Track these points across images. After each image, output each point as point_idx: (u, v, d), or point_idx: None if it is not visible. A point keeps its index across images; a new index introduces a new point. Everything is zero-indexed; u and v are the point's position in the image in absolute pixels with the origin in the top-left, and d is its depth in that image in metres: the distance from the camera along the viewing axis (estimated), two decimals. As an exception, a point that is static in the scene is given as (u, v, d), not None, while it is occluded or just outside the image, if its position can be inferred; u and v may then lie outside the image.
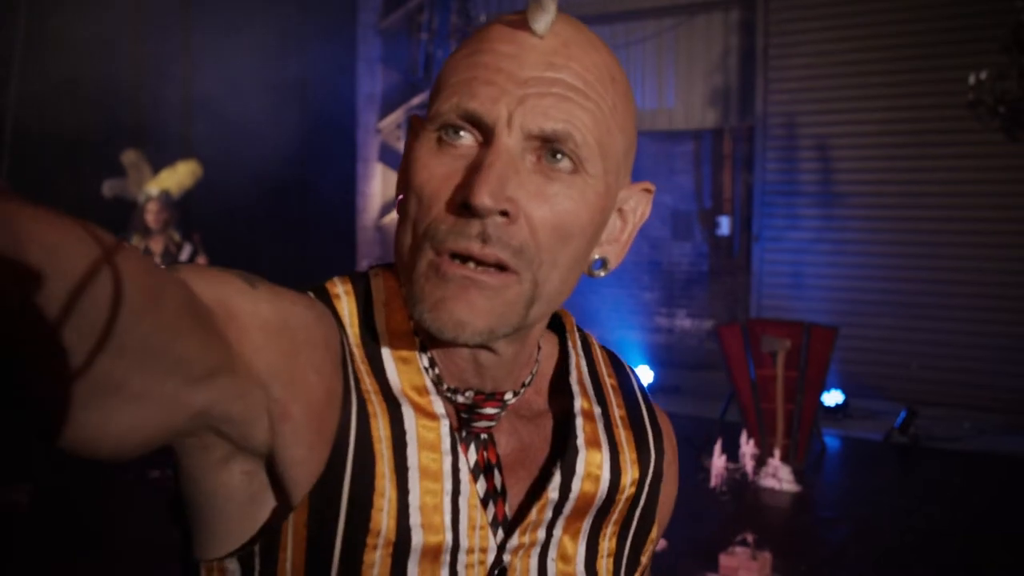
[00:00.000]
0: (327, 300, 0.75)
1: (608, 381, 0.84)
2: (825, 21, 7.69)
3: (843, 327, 6.70)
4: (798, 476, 5.56)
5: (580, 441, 0.77)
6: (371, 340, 0.73)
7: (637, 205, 0.76)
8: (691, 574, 4.04)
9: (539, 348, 0.80)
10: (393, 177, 10.33)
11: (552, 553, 0.76)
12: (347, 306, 0.75)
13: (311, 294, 0.75)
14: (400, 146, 10.28)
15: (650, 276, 8.43)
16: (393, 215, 10.29)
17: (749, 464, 5.55)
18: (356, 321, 0.74)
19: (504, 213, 0.65)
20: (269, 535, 0.68)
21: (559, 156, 0.67)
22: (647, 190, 0.77)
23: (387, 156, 10.38)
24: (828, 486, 5.96)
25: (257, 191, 8.54)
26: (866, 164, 7.61)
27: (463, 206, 0.65)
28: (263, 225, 8.81)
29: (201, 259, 6.06)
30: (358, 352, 0.72)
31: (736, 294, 8.19)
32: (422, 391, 0.73)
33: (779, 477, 5.43)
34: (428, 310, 0.67)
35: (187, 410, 0.59)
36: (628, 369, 0.87)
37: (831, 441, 6.71)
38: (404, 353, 0.73)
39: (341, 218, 10.14)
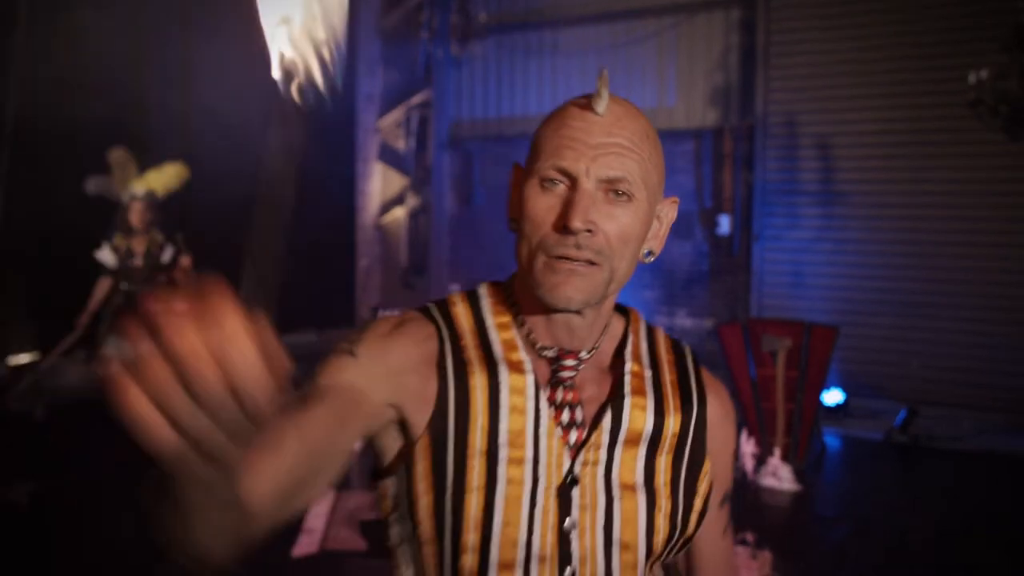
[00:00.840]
0: (445, 308, 1.14)
1: (665, 356, 1.18)
2: (826, 20, 7.69)
3: (844, 326, 6.69)
4: (798, 475, 5.56)
5: (626, 390, 1.11)
6: (482, 327, 1.12)
7: (668, 212, 1.12)
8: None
9: (607, 327, 1.14)
10: (392, 175, 10.33)
11: (615, 470, 1.08)
12: (462, 311, 1.14)
13: (431, 305, 1.14)
14: (400, 145, 10.27)
15: (651, 275, 8.43)
16: (393, 214, 10.31)
17: (749, 463, 5.55)
18: (470, 317, 1.13)
19: (588, 230, 1.01)
20: (407, 458, 1.07)
21: (619, 192, 1.03)
22: (674, 202, 1.13)
23: (386, 155, 10.38)
24: (828, 485, 5.95)
25: (254, 190, 8.53)
26: (867, 163, 7.60)
27: (564, 228, 1.01)
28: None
29: (184, 259, 6.03)
30: (470, 337, 1.10)
31: (736, 293, 8.18)
32: (517, 356, 1.09)
33: (779, 476, 5.43)
34: (547, 291, 1.03)
35: (348, 452, 1.04)
36: (688, 351, 1.21)
37: (831, 440, 6.71)
38: (505, 333, 1.11)
39: (340, 217, 10.13)
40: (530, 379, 1.08)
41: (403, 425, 1.08)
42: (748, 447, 5.59)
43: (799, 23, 7.82)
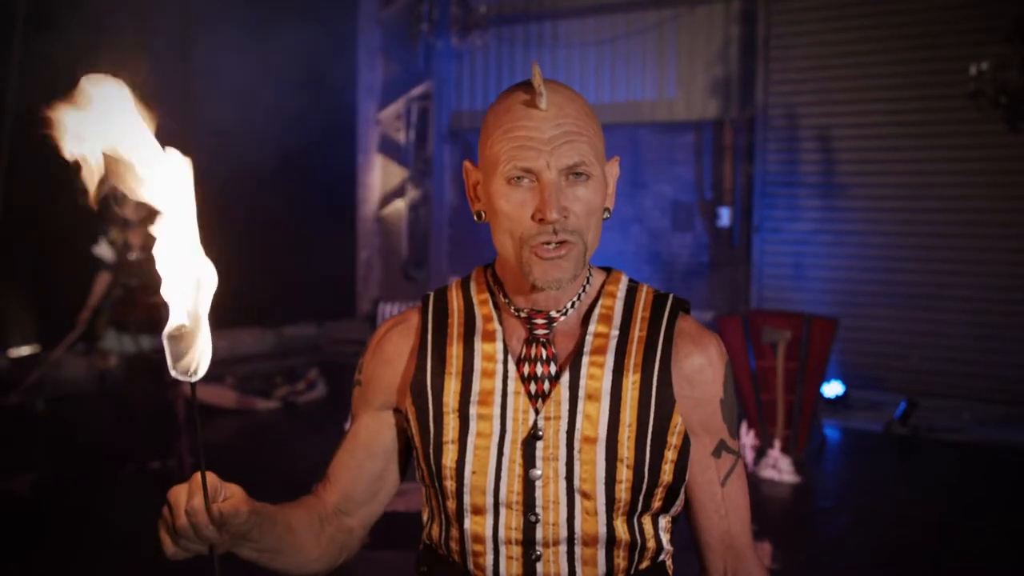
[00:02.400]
0: (443, 293, 1.31)
1: (640, 314, 1.26)
2: (826, 11, 7.67)
3: (843, 318, 6.70)
4: (798, 467, 5.56)
5: (586, 350, 1.21)
6: (469, 304, 1.28)
7: (613, 170, 1.24)
8: (691, 564, 4.04)
9: (585, 287, 1.26)
10: (393, 167, 10.32)
11: (577, 424, 1.18)
12: (455, 294, 1.30)
13: (431, 293, 1.33)
14: (400, 137, 10.26)
15: (650, 267, 8.42)
16: (394, 206, 10.30)
17: (749, 455, 5.55)
18: (460, 298, 1.29)
19: (564, 216, 1.13)
20: (407, 416, 1.27)
21: (579, 173, 1.15)
22: (615, 160, 1.25)
23: (387, 147, 10.36)
24: (828, 477, 5.96)
25: (257, 181, 8.53)
26: (867, 155, 7.59)
27: (540, 220, 1.13)
28: (264, 215, 8.80)
29: None
30: (457, 315, 1.27)
31: (736, 285, 8.18)
32: (492, 326, 1.25)
33: (779, 468, 5.44)
34: (538, 278, 1.15)
35: (395, 457, 1.35)
36: (669, 305, 1.27)
37: (831, 432, 6.71)
38: (484, 308, 1.27)
39: (341, 208, 10.12)
40: (499, 345, 1.23)
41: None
42: (748, 439, 5.60)
43: (799, 14, 7.80)
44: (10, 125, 6.49)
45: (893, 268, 7.43)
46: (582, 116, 1.16)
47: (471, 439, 1.19)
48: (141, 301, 5.75)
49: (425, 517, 1.30)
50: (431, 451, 1.21)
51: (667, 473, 1.20)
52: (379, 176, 10.41)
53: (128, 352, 5.85)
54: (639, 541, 1.21)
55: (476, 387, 1.21)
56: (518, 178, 1.14)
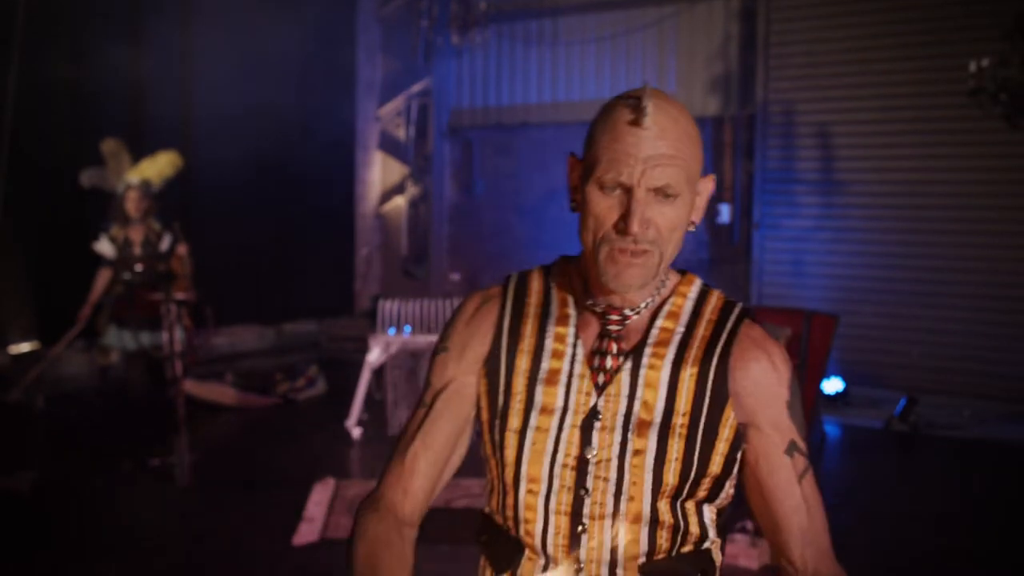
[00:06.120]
0: (524, 276, 1.40)
1: (708, 316, 1.33)
2: (826, 8, 7.66)
3: (843, 315, 6.70)
4: (798, 464, 5.56)
5: (649, 342, 1.30)
6: (547, 286, 1.37)
7: (706, 187, 1.31)
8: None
9: (660, 289, 1.33)
10: (392, 164, 10.32)
11: (634, 409, 1.26)
12: (535, 278, 1.39)
13: (513, 275, 1.41)
14: (400, 134, 10.26)
15: (650, 264, 8.42)
16: (394, 202, 10.30)
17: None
18: (540, 283, 1.38)
19: (645, 229, 1.21)
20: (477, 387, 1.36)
21: (667, 194, 1.22)
22: (711, 179, 1.32)
23: (387, 143, 10.36)
24: (828, 474, 5.96)
25: (257, 179, 8.53)
26: (867, 152, 7.59)
27: (623, 229, 1.21)
28: (264, 212, 8.80)
29: (181, 248, 6.02)
30: (535, 297, 1.37)
31: (736, 282, 8.18)
32: (567, 311, 1.34)
33: (779, 465, 5.43)
34: (611, 279, 1.23)
35: (470, 426, 1.39)
36: (736, 311, 1.35)
37: (831, 429, 6.72)
38: (561, 294, 1.36)
39: (341, 205, 10.12)
40: (571, 329, 1.32)
41: None
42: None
43: (799, 11, 7.80)
44: (10, 125, 6.49)
45: (893, 265, 7.43)
46: (682, 139, 1.23)
47: (534, 414, 1.28)
48: (141, 298, 5.75)
49: (487, 489, 1.38)
50: (496, 422, 1.30)
51: (716, 464, 1.26)
52: (379, 173, 10.41)
53: (128, 348, 5.86)
54: (682, 524, 1.27)
55: (545, 365, 1.30)
56: (611, 187, 1.22)
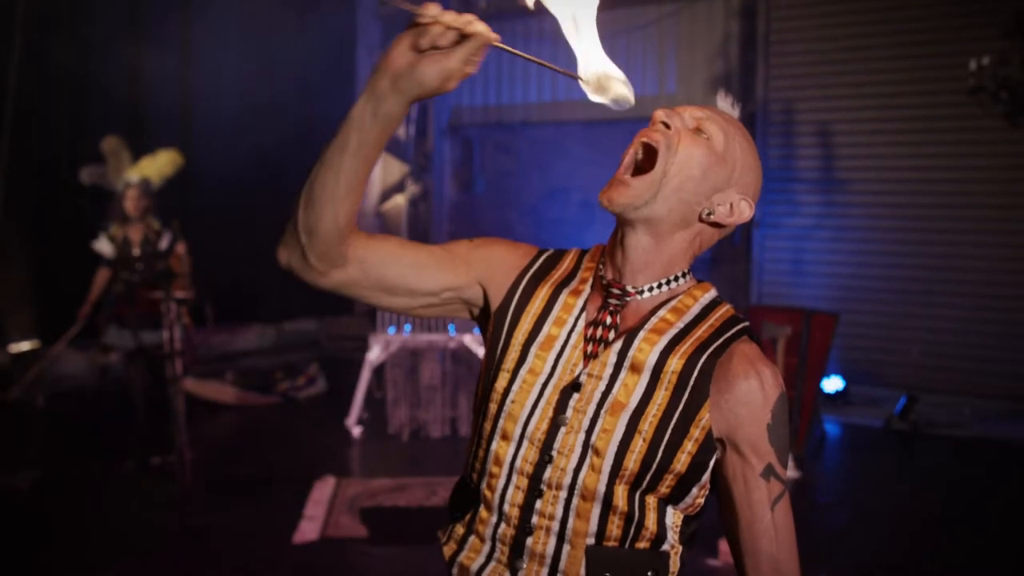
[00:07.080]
0: (560, 251, 1.45)
1: (710, 322, 1.31)
2: (826, 6, 7.66)
3: (843, 313, 6.70)
4: (798, 462, 5.57)
5: (646, 326, 1.30)
6: (577, 264, 1.41)
7: (741, 204, 1.35)
8: (691, 560, 4.05)
9: (671, 284, 1.34)
10: (392, 162, 10.30)
11: (614, 388, 1.27)
12: (570, 255, 1.43)
13: (550, 249, 1.45)
14: (400, 132, 10.24)
15: (650, 263, 8.42)
16: (394, 201, 10.28)
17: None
18: (573, 260, 1.42)
19: (665, 124, 1.31)
20: (485, 329, 1.43)
21: (700, 131, 1.34)
22: (750, 205, 1.35)
23: (387, 142, 10.34)
24: (828, 472, 5.97)
25: (256, 177, 8.53)
26: (867, 150, 7.59)
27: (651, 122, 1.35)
28: (262, 211, 8.79)
29: (180, 247, 6.01)
30: (562, 271, 1.40)
31: (736, 281, 8.18)
32: (584, 286, 1.37)
33: (779, 463, 5.43)
34: (603, 199, 1.30)
35: (430, 289, 1.39)
36: (739, 328, 1.32)
37: (831, 427, 6.72)
38: (585, 272, 1.39)
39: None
40: (580, 302, 1.35)
41: (486, 301, 1.42)
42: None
43: (800, 10, 7.79)
44: (10, 125, 6.48)
45: (893, 263, 7.43)
46: (732, 133, 1.32)
47: (522, 372, 1.32)
48: (141, 296, 5.74)
49: (467, 447, 1.43)
50: (491, 373, 1.35)
51: (681, 463, 1.24)
52: (379, 171, 10.40)
53: (129, 347, 5.85)
54: (636, 515, 1.25)
55: (545, 330, 1.34)
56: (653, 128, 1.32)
